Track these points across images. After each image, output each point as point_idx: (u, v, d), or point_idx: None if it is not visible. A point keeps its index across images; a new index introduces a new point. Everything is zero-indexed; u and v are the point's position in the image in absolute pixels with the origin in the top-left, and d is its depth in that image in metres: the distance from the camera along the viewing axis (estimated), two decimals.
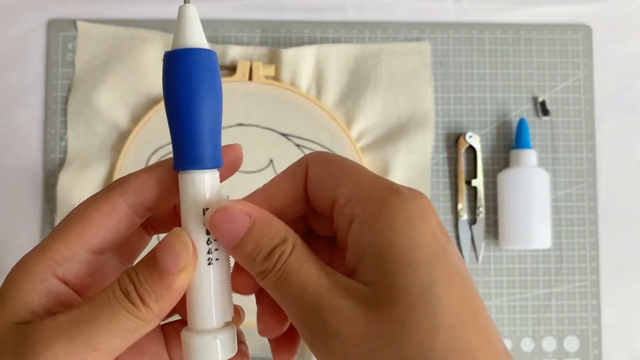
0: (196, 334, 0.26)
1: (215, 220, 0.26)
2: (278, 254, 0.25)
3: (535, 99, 0.67)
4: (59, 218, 0.62)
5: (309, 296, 0.24)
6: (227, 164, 0.28)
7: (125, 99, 0.64)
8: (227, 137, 0.27)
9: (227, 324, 0.27)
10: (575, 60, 0.68)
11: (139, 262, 0.26)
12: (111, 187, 0.28)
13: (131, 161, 0.62)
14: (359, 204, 0.25)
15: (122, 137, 0.63)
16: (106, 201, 0.27)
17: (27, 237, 0.63)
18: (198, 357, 0.26)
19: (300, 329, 0.25)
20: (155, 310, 0.25)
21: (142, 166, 0.63)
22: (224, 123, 0.28)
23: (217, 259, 0.27)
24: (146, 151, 0.63)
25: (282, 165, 0.63)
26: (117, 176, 0.62)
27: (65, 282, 0.27)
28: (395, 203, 0.24)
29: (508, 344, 0.64)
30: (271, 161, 0.63)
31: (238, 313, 0.29)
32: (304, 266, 0.25)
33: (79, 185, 0.62)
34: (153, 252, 0.26)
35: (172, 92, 0.26)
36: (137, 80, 0.64)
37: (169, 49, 0.26)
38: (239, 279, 0.27)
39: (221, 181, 0.28)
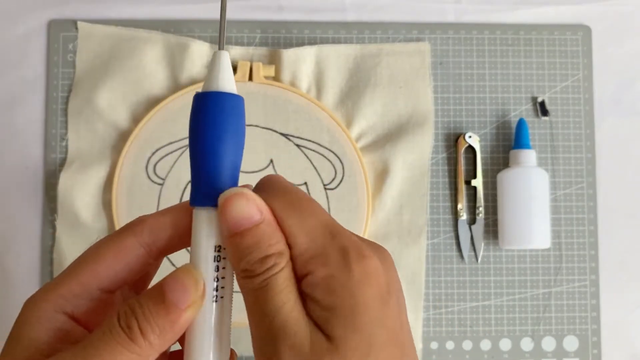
0: None
1: (227, 203, 0.26)
2: (271, 263, 0.25)
3: (534, 99, 0.67)
4: (59, 218, 0.62)
5: (280, 316, 0.25)
6: None
7: (125, 99, 0.64)
8: None
9: None
10: (574, 61, 0.68)
11: (143, 294, 0.26)
12: (126, 227, 0.28)
13: (131, 161, 0.63)
14: (313, 262, 0.26)
15: (123, 137, 0.63)
16: (120, 240, 0.28)
17: (28, 237, 0.63)
18: None
19: (257, 340, 0.26)
20: (156, 345, 0.25)
21: (142, 167, 0.63)
22: None
23: (222, 297, 0.27)
24: (146, 151, 0.63)
25: (282, 165, 0.63)
26: (117, 176, 0.62)
27: (75, 320, 0.27)
28: (345, 268, 0.25)
29: (507, 343, 0.64)
30: (271, 161, 0.63)
31: (233, 356, 0.29)
32: (286, 288, 0.25)
33: (79, 186, 0.62)
34: (160, 286, 0.25)
35: (198, 131, 0.27)
36: (138, 80, 0.64)
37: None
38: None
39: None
